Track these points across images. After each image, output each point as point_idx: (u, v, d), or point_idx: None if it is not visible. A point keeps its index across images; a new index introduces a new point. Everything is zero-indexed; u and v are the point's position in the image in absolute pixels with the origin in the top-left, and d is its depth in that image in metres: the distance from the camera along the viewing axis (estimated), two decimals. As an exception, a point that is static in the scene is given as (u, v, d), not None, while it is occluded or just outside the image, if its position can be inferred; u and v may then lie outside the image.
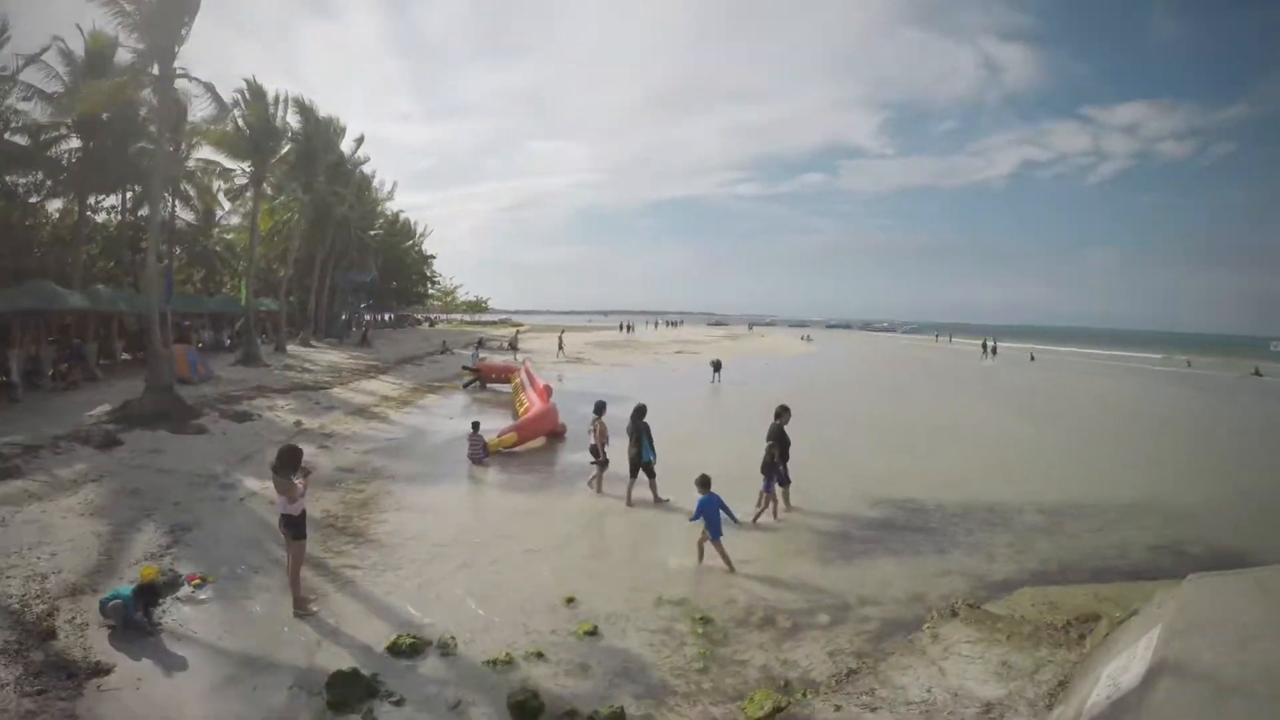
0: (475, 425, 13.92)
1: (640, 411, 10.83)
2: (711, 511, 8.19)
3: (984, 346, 56.99)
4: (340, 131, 39.96)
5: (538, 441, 15.20)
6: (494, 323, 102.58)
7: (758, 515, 9.95)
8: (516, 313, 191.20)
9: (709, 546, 8.28)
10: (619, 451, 11.45)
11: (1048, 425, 20.92)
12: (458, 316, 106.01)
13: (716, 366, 29.26)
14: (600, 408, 11.67)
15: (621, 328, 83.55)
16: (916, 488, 12.38)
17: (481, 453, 13.48)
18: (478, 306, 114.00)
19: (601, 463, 11.42)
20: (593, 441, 11.47)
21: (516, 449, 14.37)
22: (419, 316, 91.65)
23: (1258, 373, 45.34)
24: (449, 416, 19.55)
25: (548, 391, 17.81)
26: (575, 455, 13.96)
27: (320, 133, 35.69)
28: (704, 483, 8.43)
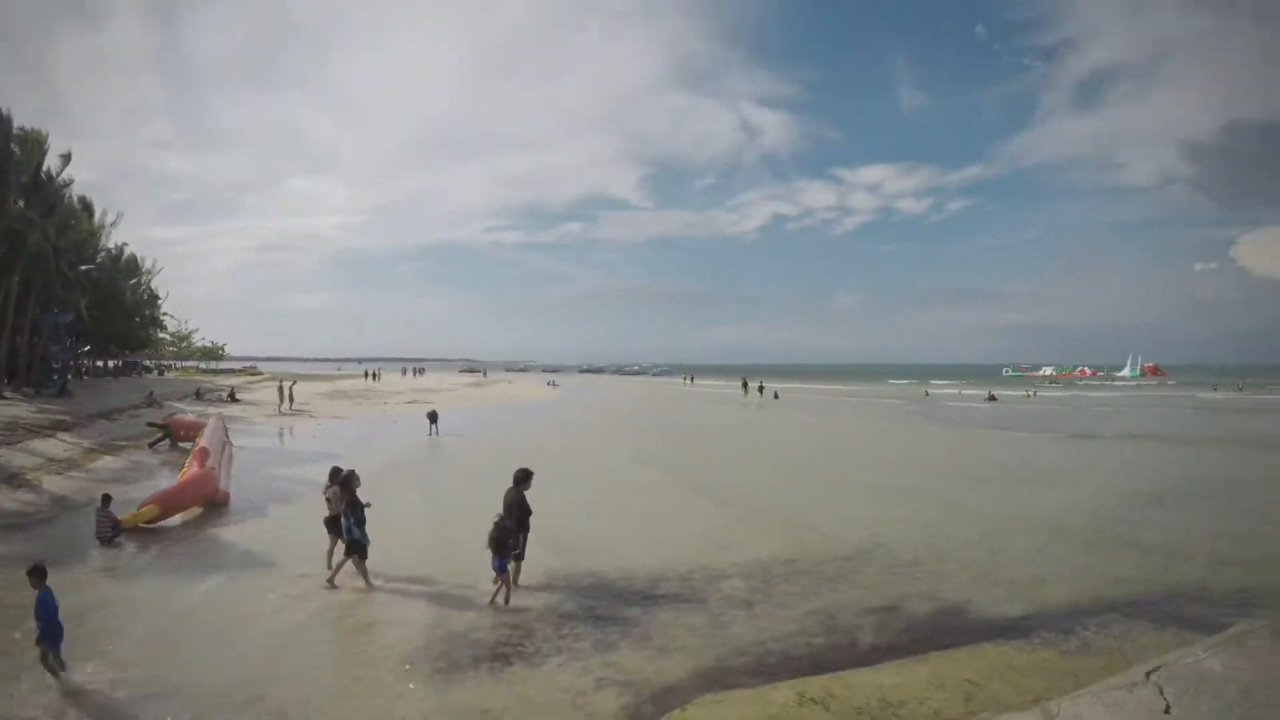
0: (105, 499, 12.05)
1: (348, 478, 9.45)
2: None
3: (744, 385, 61.36)
4: (39, 146, 35.90)
5: (193, 511, 13.59)
6: (235, 371, 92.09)
7: (494, 597, 8.76)
8: (272, 360, 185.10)
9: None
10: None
11: (774, 468, 20.93)
12: (193, 363, 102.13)
13: (433, 418, 28.12)
14: (336, 474, 9.88)
15: (367, 375, 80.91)
16: (612, 553, 11.01)
17: (111, 531, 11.60)
18: (213, 353, 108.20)
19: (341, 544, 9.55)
20: (327, 513, 9.91)
21: (160, 523, 12.59)
22: (148, 364, 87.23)
23: (992, 397, 53.61)
24: (107, 482, 16.87)
25: (203, 454, 15.75)
26: (244, 527, 12.76)
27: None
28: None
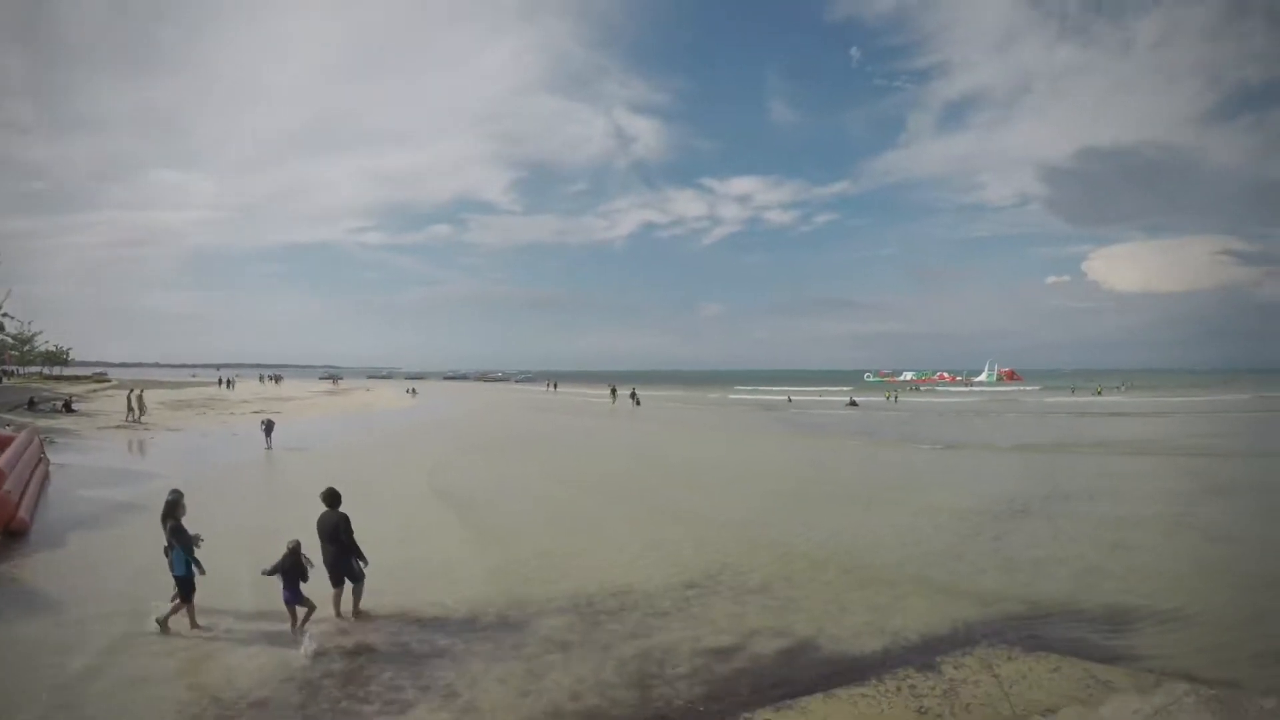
0: None
1: (173, 504, 8.34)
2: None
3: (613, 392, 61.50)
4: None
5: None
6: (81, 378, 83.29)
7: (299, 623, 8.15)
8: (125, 366, 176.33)
9: None
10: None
11: (620, 482, 19.97)
12: (37, 369, 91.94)
13: (268, 430, 26.60)
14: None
15: (221, 383, 78.42)
16: (427, 585, 9.82)
17: None
18: (56, 358, 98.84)
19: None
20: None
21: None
22: (-16, 371, 76.63)
23: (853, 403, 55.38)
24: None
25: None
26: (34, 561, 10.93)
27: None
28: None
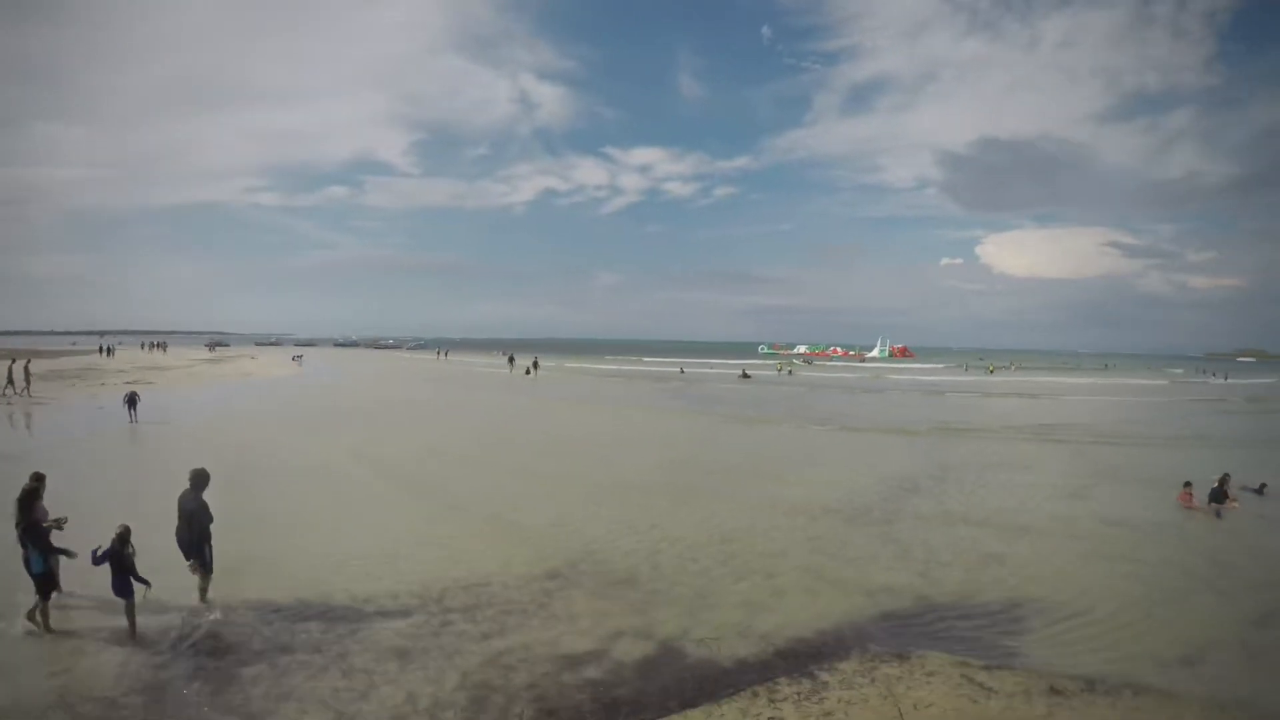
0: None
1: (28, 496, 7.57)
2: None
3: (511, 361, 61.94)
4: None
5: None
6: None
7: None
8: (9, 334, 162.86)
9: None
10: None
11: (497, 458, 18.92)
12: None
13: (131, 402, 25.01)
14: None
15: (102, 350, 74.61)
16: (275, 573, 8.98)
17: None
18: None
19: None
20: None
21: None
22: None
23: (745, 375, 56.41)
24: None
25: None
26: None
27: None
28: None
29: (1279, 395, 52.08)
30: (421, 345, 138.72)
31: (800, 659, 6.93)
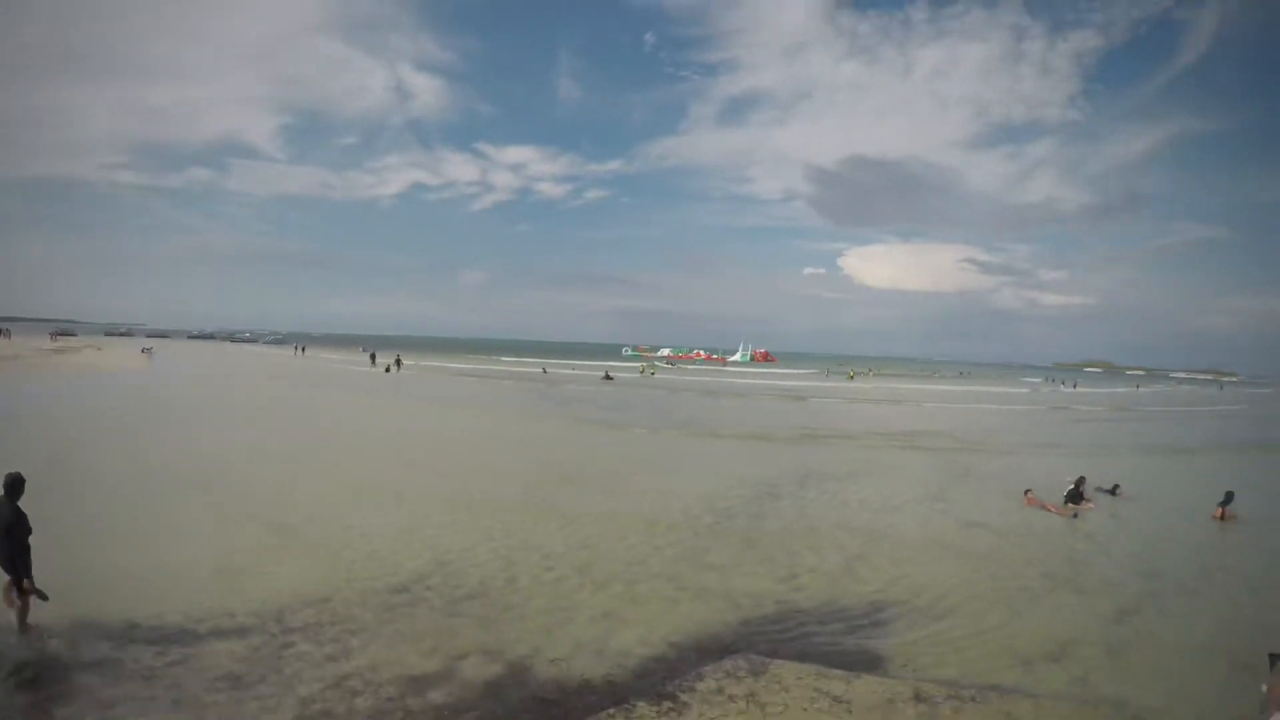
0: None
1: None
2: None
3: (372, 358, 61.42)
4: None
5: None
6: None
7: None
8: None
9: None
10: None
11: (342, 465, 17.85)
12: None
13: None
14: None
15: None
16: (92, 592, 7.82)
17: None
18: None
19: None
20: None
21: None
22: None
23: (608, 376, 56.59)
24: None
25: None
26: None
27: None
28: None
29: (1137, 404, 56.61)
30: (279, 339, 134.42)
31: (658, 676, 6.46)
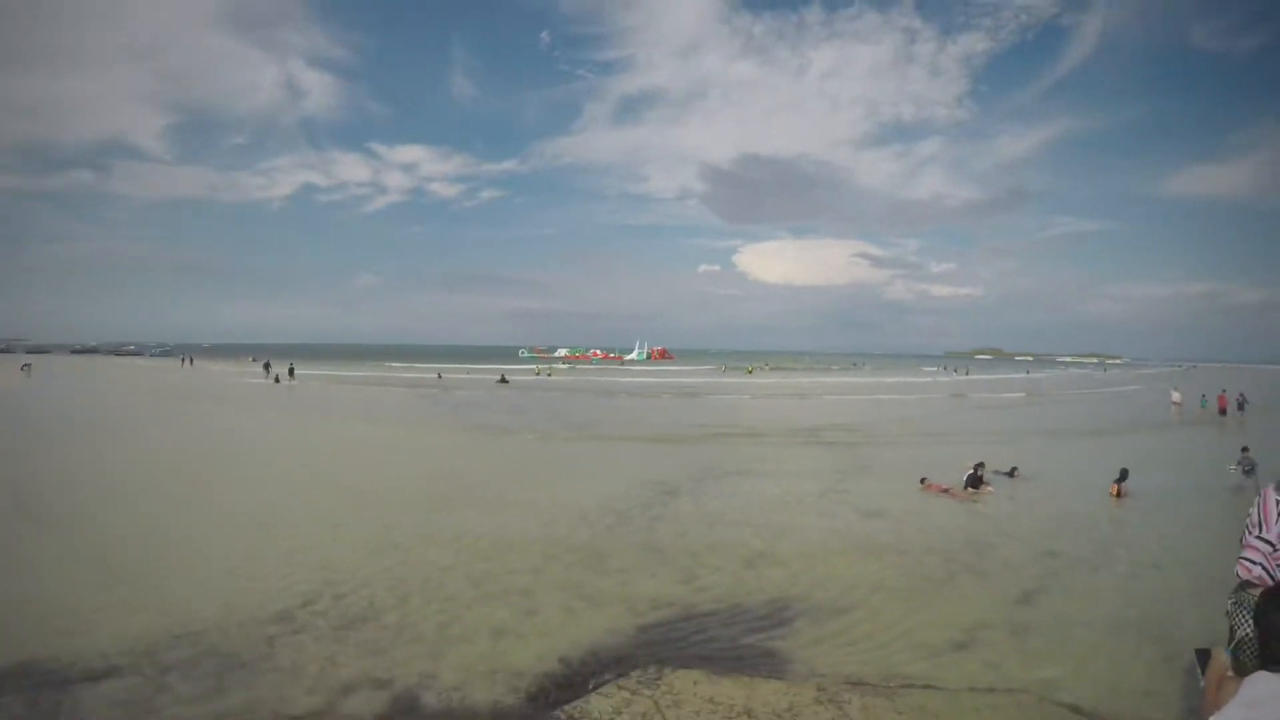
0: None
1: None
2: None
3: (266, 368, 60.79)
4: None
5: None
6: None
7: None
8: None
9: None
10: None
11: (230, 486, 16.45)
12: None
13: None
14: None
15: None
16: None
17: None
18: None
19: None
20: None
21: None
22: None
23: (504, 379, 57.10)
24: None
25: None
26: None
27: None
28: None
29: (1029, 388, 58.82)
30: (167, 351, 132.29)
31: (553, 698, 5.93)
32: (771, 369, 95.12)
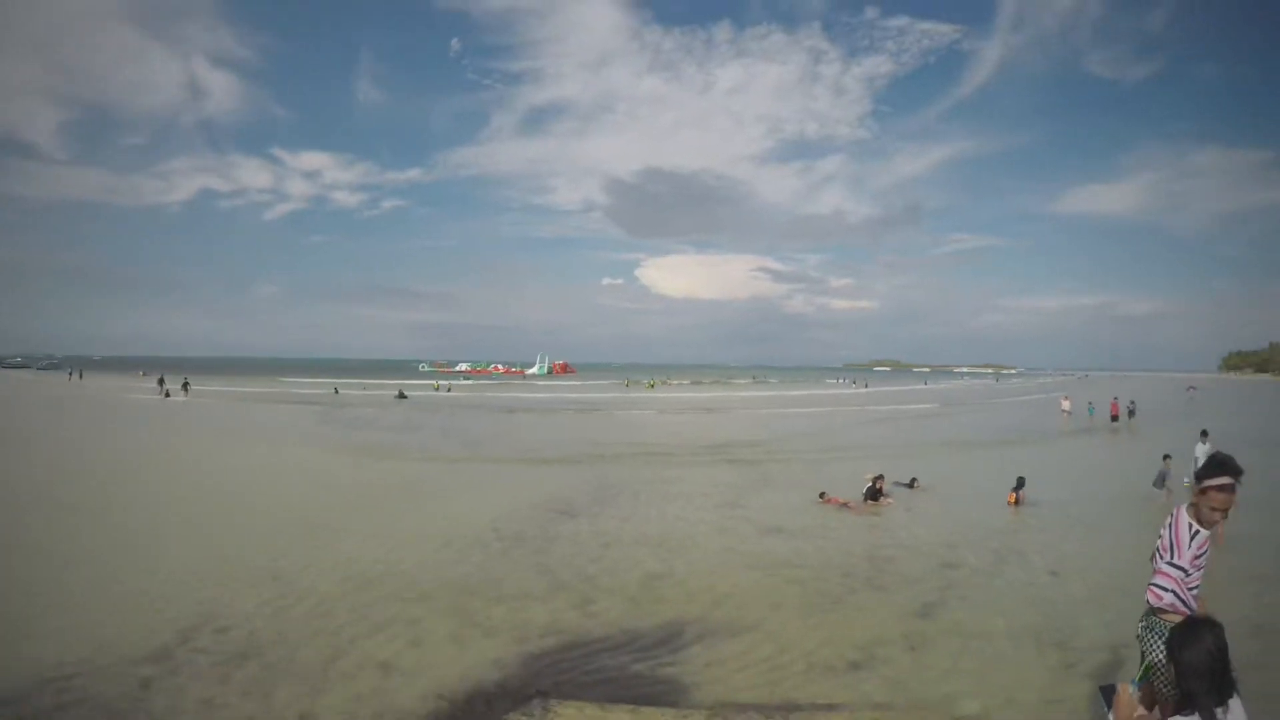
0: None
1: None
2: None
3: (160, 383, 58.12)
4: None
5: None
6: None
7: None
8: None
9: None
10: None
11: (113, 510, 14.86)
12: None
13: None
14: None
15: None
16: None
17: None
18: None
19: None
20: None
21: None
22: None
23: (401, 395, 56.48)
24: None
25: None
26: None
27: None
28: None
29: (927, 399, 60.50)
30: (55, 364, 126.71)
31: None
32: (674, 384, 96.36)
